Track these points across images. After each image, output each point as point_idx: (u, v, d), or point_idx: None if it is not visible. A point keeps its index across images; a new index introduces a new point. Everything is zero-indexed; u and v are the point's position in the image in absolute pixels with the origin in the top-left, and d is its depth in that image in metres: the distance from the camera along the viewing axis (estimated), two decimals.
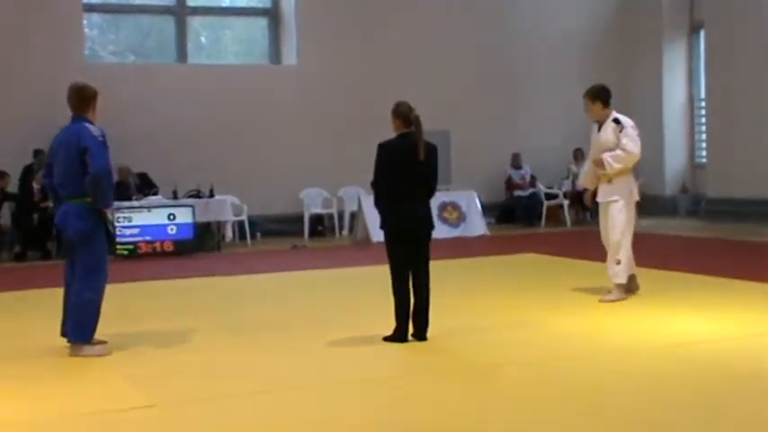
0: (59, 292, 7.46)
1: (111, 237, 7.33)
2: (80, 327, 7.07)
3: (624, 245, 8.78)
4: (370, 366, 6.69)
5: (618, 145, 8.73)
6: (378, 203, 7.35)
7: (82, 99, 7.23)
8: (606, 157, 8.72)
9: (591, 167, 9.09)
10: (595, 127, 8.97)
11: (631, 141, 8.71)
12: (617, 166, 8.73)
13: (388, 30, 17.79)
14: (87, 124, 7.13)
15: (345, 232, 16.65)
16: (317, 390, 6.07)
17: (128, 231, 13.74)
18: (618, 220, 8.78)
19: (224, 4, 18.33)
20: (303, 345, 7.36)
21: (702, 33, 18.68)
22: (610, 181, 8.84)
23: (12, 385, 6.32)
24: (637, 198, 8.98)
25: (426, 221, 7.33)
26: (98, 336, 7.21)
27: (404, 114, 7.26)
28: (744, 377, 6.02)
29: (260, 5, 18.07)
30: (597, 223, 9.27)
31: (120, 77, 15.59)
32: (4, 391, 6.15)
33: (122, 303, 9.04)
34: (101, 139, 7.06)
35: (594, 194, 9.15)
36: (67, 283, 7.25)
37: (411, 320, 7.23)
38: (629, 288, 8.96)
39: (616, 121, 8.81)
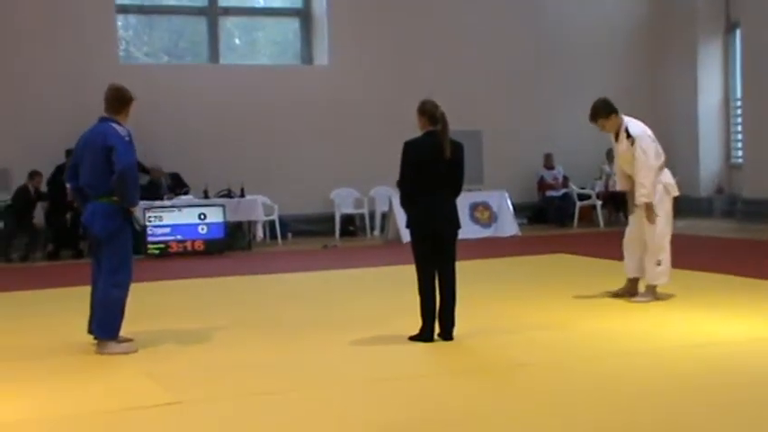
0: (89, 291, 7.50)
1: (137, 235, 7.35)
2: (105, 324, 7.11)
3: (664, 246, 8.66)
4: (395, 365, 6.66)
5: (632, 158, 8.61)
6: (404, 202, 7.33)
7: (119, 101, 7.27)
8: (637, 194, 8.58)
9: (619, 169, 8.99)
10: (613, 138, 8.86)
11: (643, 154, 8.54)
12: (647, 186, 8.55)
13: (420, 29, 17.75)
14: (114, 124, 7.16)
15: (377, 232, 16.63)
16: (341, 388, 6.04)
17: (159, 231, 13.82)
18: (657, 221, 8.65)
19: (256, 5, 18.38)
20: (330, 343, 7.35)
21: (738, 32, 18.45)
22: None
23: (39, 382, 6.36)
24: (675, 193, 8.83)
25: (452, 220, 7.29)
26: (125, 333, 7.25)
27: (429, 112, 7.22)
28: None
29: (292, 6, 18.11)
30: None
31: (153, 78, 15.66)
32: (31, 388, 6.19)
33: (150, 301, 9.08)
34: (127, 138, 7.10)
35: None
36: (94, 280, 7.30)
37: (437, 320, 7.20)
38: (624, 291, 8.86)
39: (627, 133, 8.64)
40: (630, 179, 8.82)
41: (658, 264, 8.66)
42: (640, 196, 8.58)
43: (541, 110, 18.64)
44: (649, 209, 8.58)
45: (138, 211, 7.37)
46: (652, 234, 8.64)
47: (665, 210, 8.72)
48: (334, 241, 15.77)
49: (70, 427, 5.36)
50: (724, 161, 19.22)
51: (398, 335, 7.33)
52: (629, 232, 8.97)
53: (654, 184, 8.57)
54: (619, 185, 9.29)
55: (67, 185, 7.75)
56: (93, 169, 7.12)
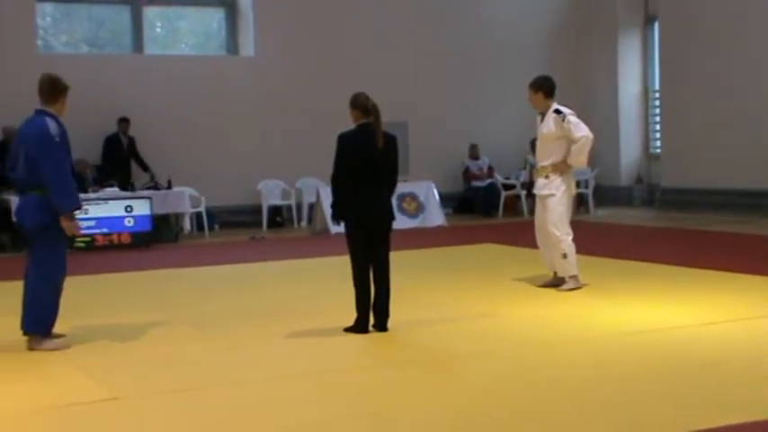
0: (15, 286, 7.39)
1: None
2: (38, 319, 7.01)
3: (563, 239, 8.85)
4: (331, 357, 6.71)
5: (559, 135, 8.80)
6: (337, 195, 7.33)
7: (53, 91, 7.14)
8: (572, 161, 8.80)
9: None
10: (539, 118, 9.06)
11: (575, 128, 8.77)
12: (583, 159, 8.84)
13: (346, 21, 17.77)
14: (48, 119, 7.03)
15: (304, 224, 16.63)
16: (278, 381, 6.07)
17: (84, 224, 13.58)
18: (555, 214, 8.85)
19: None
20: (263, 336, 7.36)
21: (656, 25, 18.87)
22: (546, 176, 8.92)
23: None
24: (574, 193, 9.07)
25: (386, 213, 7.35)
26: (57, 329, 7.17)
27: (362, 104, 7.28)
28: (697, 366, 6.11)
29: None
30: None
31: (73, 68, 15.18)
32: None
33: (81, 296, 8.96)
34: (57, 139, 6.97)
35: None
36: (27, 275, 7.18)
37: (372, 311, 7.27)
38: (550, 282, 9.06)
39: (557, 111, 8.87)
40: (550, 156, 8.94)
41: (564, 256, 8.86)
42: (578, 164, 8.77)
43: (466, 101, 18.81)
44: (564, 171, 8.82)
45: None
46: (554, 227, 8.83)
47: (566, 204, 8.92)
48: (261, 233, 15.73)
49: (5, 425, 5.29)
50: (643, 151, 19.66)
51: (333, 327, 7.37)
52: (536, 223, 9.18)
53: (587, 153, 8.81)
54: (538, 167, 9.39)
55: (9, 176, 7.58)
56: (26, 163, 7.00)
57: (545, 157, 8.98)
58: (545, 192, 8.91)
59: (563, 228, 8.86)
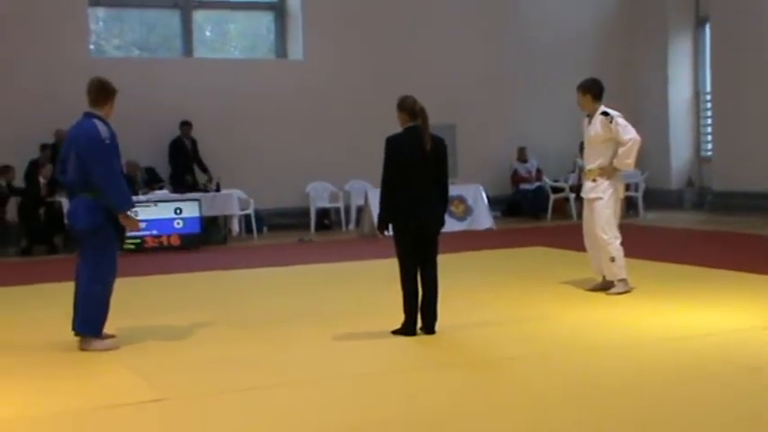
0: (66, 287, 7.49)
1: (121, 231, 7.32)
2: (89, 320, 7.09)
3: (611, 242, 8.76)
4: (378, 359, 6.71)
5: (606, 137, 8.71)
6: (385, 201, 7.30)
7: (102, 94, 7.23)
8: (618, 164, 8.71)
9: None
10: (586, 121, 8.98)
11: (623, 130, 8.68)
12: (630, 162, 8.74)
13: (394, 23, 17.78)
14: (97, 122, 7.12)
15: (352, 226, 16.65)
16: (324, 383, 6.07)
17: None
18: (602, 218, 8.77)
19: None
20: (311, 338, 7.37)
21: (708, 26, 18.64)
22: (594, 179, 8.84)
23: (21, 380, 6.34)
24: (622, 196, 8.97)
25: (435, 216, 7.33)
26: (107, 330, 7.24)
27: (409, 107, 7.27)
28: (752, 369, 6.02)
29: (266, 0, 18.05)
30: None
31: (124, 72, 15.46)
32: (13, 386, 6.18)
33: (130, 297, 9.05)
34: (107, 141, 7.05)
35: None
36: (77, 277, 7.26)
37: (420, 313, 7.25)
38: (599, 286, 8.98)
39: (604, 113, 8.78)
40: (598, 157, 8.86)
41: (612, 260, 8.77)
42: (624, 166, 8.69)
43: (515, 103, 18.74)
44: (608, 171, 8.73)
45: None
46: (602, 231, 8.74)
47: (613, 208, 8.83)
48: (309, 235, 15.78)
49: (57, 424, 5.36)
50: (694, 154, 19.43)
51: (380, 329, 7.37)
52: (584, 226, 9.10)
53: (634, 156, 8.71)
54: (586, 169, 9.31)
55: (58, 179, 7.69)
56: (76, 165, 7.09)
57: (592, 160, 8.91)
58: (592, 195, 8.84)
59: (611, 231, 8.77)
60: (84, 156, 7.01)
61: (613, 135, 8.68)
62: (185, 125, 15.92)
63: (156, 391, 5.87)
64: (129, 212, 7.21)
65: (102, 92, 7.24)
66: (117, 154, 7.19)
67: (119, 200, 7.10)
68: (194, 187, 15.33)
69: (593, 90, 8.88)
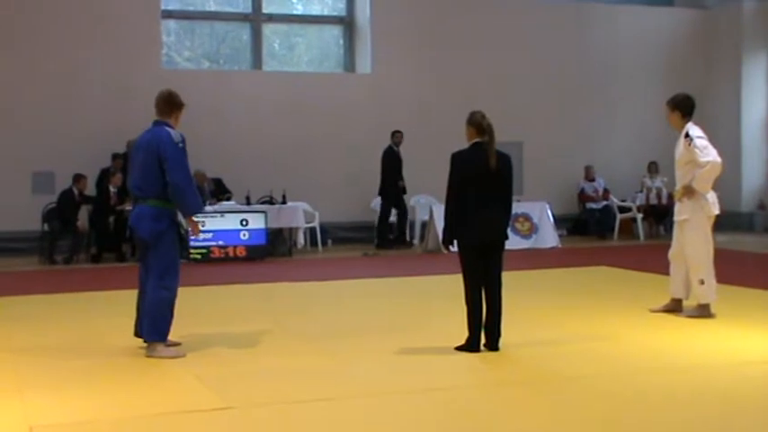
0: (133, 294, 7.57)
1: (183, 240, 7.40)
2: (155, 326, 7.17)
3: (703, 263, 8.60)
4: (442, 375, 6.67)
5: (688, 159, 8.55)
6: (452, 213, 7.27)
7: (168, 106, 7.36)
8: (695, 186, 8.55)
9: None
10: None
11: (701, 152, 8.48)
12: (705, 185, 8.53)
13: (463, 38, 17.74)
14: (168, 128, 7.24)
15: (416, 241, 16.62)
16: (388, 397, 6.05)
17: (201, 236, 13.84)
18: (691, 239, 8.62)
19: (299, 12, 18.41)
20: (374, 352, 7.36)
21: None
22: (680, 199, 8.70)
23: (90, 385, 6.42)
24: (715, 212, 8.77)
25: (499, 232, 7.28)
26: (172, 337, 7.32)
27: (477, 123, 7.24)
28: None
29: (335, 14, 18.17)
30: (671, 237, 9.11)
31: (195, 84, 15.76)
32: (78, 391, 6.25)
33: (196, 307, 9.15)
34: (181, 145, 7.16)
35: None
36: (141, 283, 7.36)
37: (483, 330, 7.20)
38: (667, 308, 8.82)
39: (686, 135, 8.60)
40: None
41: (701, 282, 8.60)
42: (702, 190, 8.50)
43: (582, 122, 18.60)
44: (689, 191, 8.54)
45: (179, 216, 7.37)
46: (691, 251, 8.60)
47: (702, 228, 8.66)
48: (373, 249, 15.79)
49: (124, 429, 5.41)
50: (766, 177, 19.07)
51: (444, 345, 7.34)
52: (673, 246, 8.94)
53: (711, 180, 8.52)
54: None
55: (128, 186, 7.81)
56: (143, 172, 7.20)
57: (679, 181, 8.77)
58: (679, 217, 8.70)
59: (705, 254, 8.60)
60: (160, 160, 7.10)
61: (692, 157, 8.51)
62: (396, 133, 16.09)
63: (222, 400, 5.90)
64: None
65: (168, 104, 7.35)
66: (187, 160, 7.29)
67: (192, 203, 7.20)
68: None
69: (681, 107, 8.69)
